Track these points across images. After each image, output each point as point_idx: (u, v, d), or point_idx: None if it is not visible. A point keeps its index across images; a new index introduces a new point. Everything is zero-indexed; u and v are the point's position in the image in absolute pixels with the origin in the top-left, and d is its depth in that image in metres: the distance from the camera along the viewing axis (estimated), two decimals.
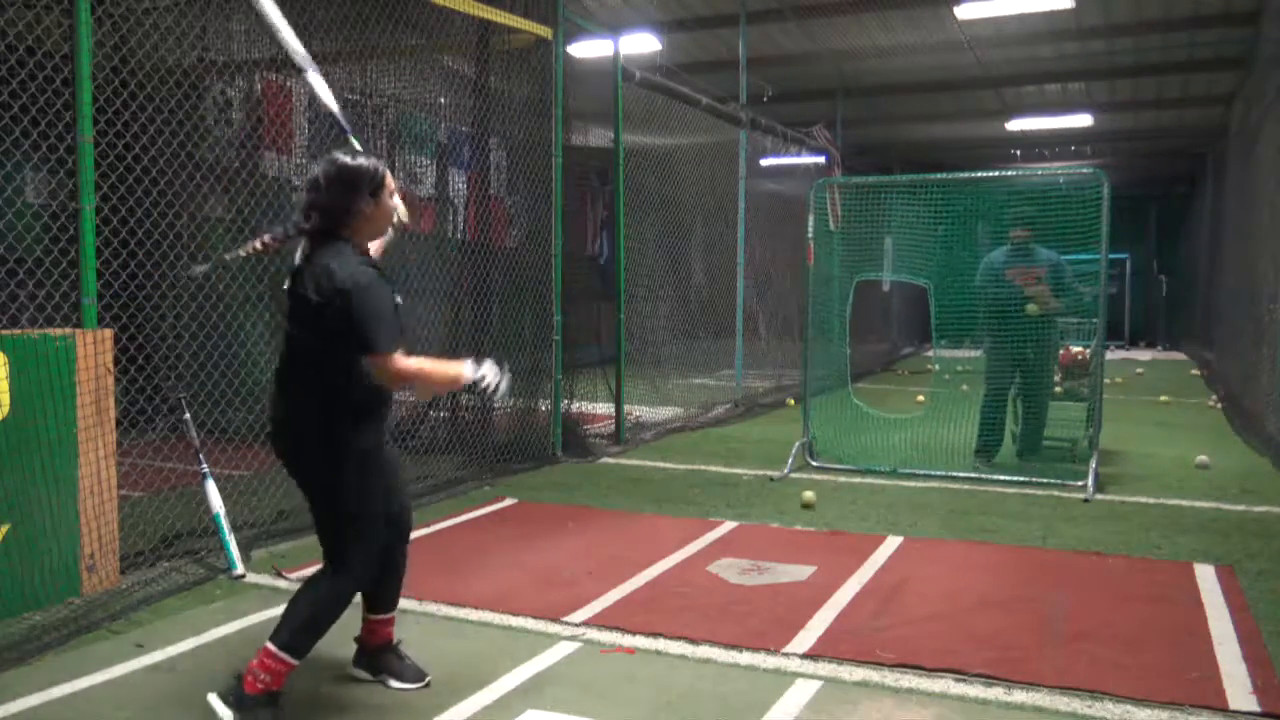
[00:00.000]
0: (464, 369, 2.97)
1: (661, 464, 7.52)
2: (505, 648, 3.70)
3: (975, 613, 4.08)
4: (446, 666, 3.52)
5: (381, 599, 3.39)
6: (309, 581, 3.15)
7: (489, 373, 2.98)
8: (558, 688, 3.35)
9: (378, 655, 3.40)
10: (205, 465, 4.76)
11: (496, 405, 3.11)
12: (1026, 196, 7.39)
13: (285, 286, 3.06)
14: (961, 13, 11.48)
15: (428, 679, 3.37)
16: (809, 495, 5.86)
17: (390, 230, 3.33)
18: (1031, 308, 6.97)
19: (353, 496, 3.06)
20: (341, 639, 3.77)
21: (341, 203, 2.99)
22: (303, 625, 3.03)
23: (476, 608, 4.14)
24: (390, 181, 3.10)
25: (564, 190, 7.82)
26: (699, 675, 3.46)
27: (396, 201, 3.16)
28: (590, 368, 9.26)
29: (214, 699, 2.96)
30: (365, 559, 3.13)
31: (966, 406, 7.49)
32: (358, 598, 3.31)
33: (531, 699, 3.25)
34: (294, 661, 3.02)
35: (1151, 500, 6.20)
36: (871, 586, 4.43)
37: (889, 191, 8.42)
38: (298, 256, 3.05)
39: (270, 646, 2.99)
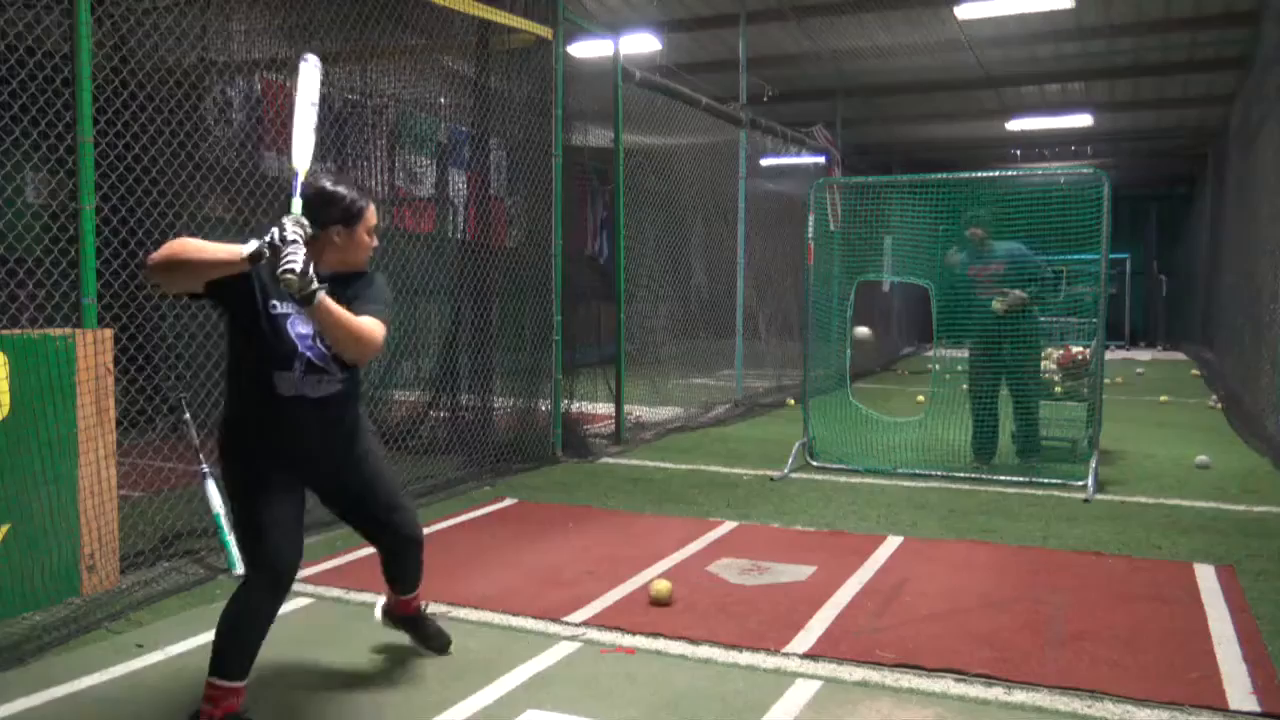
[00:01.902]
0: (241, 249, 2.73)
1: (661, 464, 7.52)
2: (505, 648, 3.70)
3: (975, 613, 4.08)
4: (447, 666, 3.53)
5: (397, 581, 3.52)
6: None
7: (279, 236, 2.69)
8: (558, 688, 3.35)
9: (404, 622, 3.62)
10: (205, 465, 4.76)
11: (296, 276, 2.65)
12: (983, 200, 7.39)
13: None
14: (961, 13, 11.48)
15: (450, 648, 3.63)
16: (661, 586, 4.18)
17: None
18: (996, 304, 6.98)
19: (233, 495, 3.07)
20: (343, 639, 3.77)
21: (309, 220, 2.85)
22: (223, 645, 2.93)
23: (476, 608, 4.14)
24: (370, 219, 3.08)
25: (564, 190, 7.83)
26: (699, 675, 3.46)
27: (372, 240, 3.12)
28: (590, 368, 9.26)
29: None
30: (260, 565, 2.98)
31: (966, 406, 7.48)
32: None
33: (531, 699, 3.24)
34: (230, 684, 2.91)
35: (1151, 500, 6.20)
36: (871, 586, 4.43)
37: (889, 191, 8.42)
38: None
39: (208, 677, 2.92)
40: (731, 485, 6.73)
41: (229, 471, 3.04)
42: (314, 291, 2.69)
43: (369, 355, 2.98)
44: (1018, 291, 6.95)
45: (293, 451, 3.04)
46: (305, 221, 2.75)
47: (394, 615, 3.62)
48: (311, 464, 3.11)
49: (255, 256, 2.68)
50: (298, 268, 2.63)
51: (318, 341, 2.97)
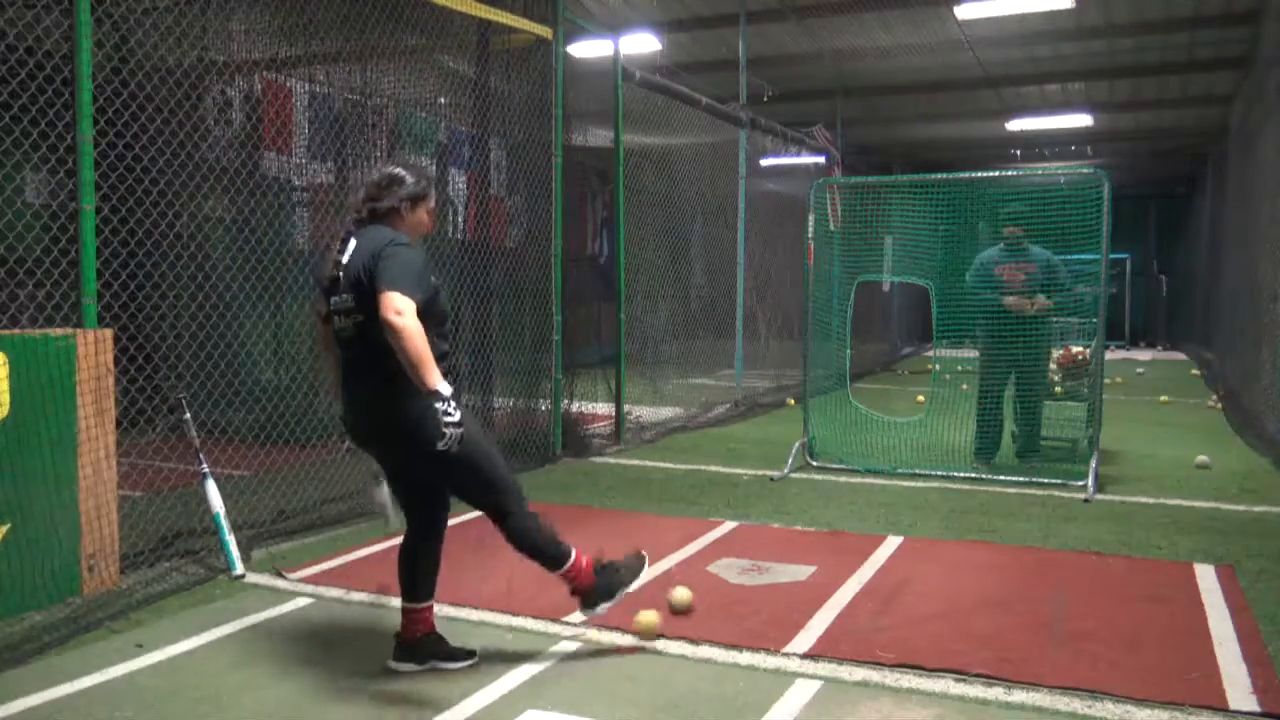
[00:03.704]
0: (442, 384, 3.04)
1: (661, 464, 7.51)
2: (505, 648, 3.70)
3: (975, 613, 4.08)
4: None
5: (422, 589, 3.53)
6: (509, 535, 3.45)
7: (454, 413, 3.04)
8: (558, 688, 3.35)
9: (423, 644, 3.52)
10: (205, 465, 4.76)
11: (449, 430, 3.07)
12: (1021, 194, 7.40)
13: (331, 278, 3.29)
14: (961, 13, 11.48)
15: (476, 654, 3.56)
16: (681, 596, 4.05)
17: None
18: (1009, 300, 6.97)
19: (480, 450, 3.30)
20: (343, 639, 3.77)
21: (382, 197, 3.36)
22: (543, 545, 3.44)
23: (476, 608, 4.14)
24: (429, 202, 3.44)
25: (564, 190, 7.83)
26: (699, 675, 3.46)
27: (429, 219, 3.48)
28: (590, 368, 9.26)
29: (579, 614, 3.56)
30: (515, 490, 3.46)
31: (966, 406, 7.49)
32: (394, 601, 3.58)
33: (531, 699, 3.24)
34: (573, 559, 3.47)
35: (1151, 500, 6.20)
36: (871, 586, 4.43)
37: (889, 191, 8.42)
38: (343, 253, 3.29)
39: (557, 573, 3.48)
40: (731, 485, 6.73)
41: (470, 423, 3.18)
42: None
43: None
44: (1042, 297, 6.97)
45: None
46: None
47: (414, 641, 3.49)
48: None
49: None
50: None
51: None
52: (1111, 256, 7.05)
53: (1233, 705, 3.18)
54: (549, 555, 3.47)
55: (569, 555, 3.48)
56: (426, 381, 3.01)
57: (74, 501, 4.14)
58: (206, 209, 7.10)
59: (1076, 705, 3.20)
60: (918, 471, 7.01)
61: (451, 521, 5.58)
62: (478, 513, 5.80)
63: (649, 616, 3.77)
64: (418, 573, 3.52)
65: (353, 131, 7.78)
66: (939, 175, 7.67)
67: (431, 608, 3.54)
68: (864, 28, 12.11)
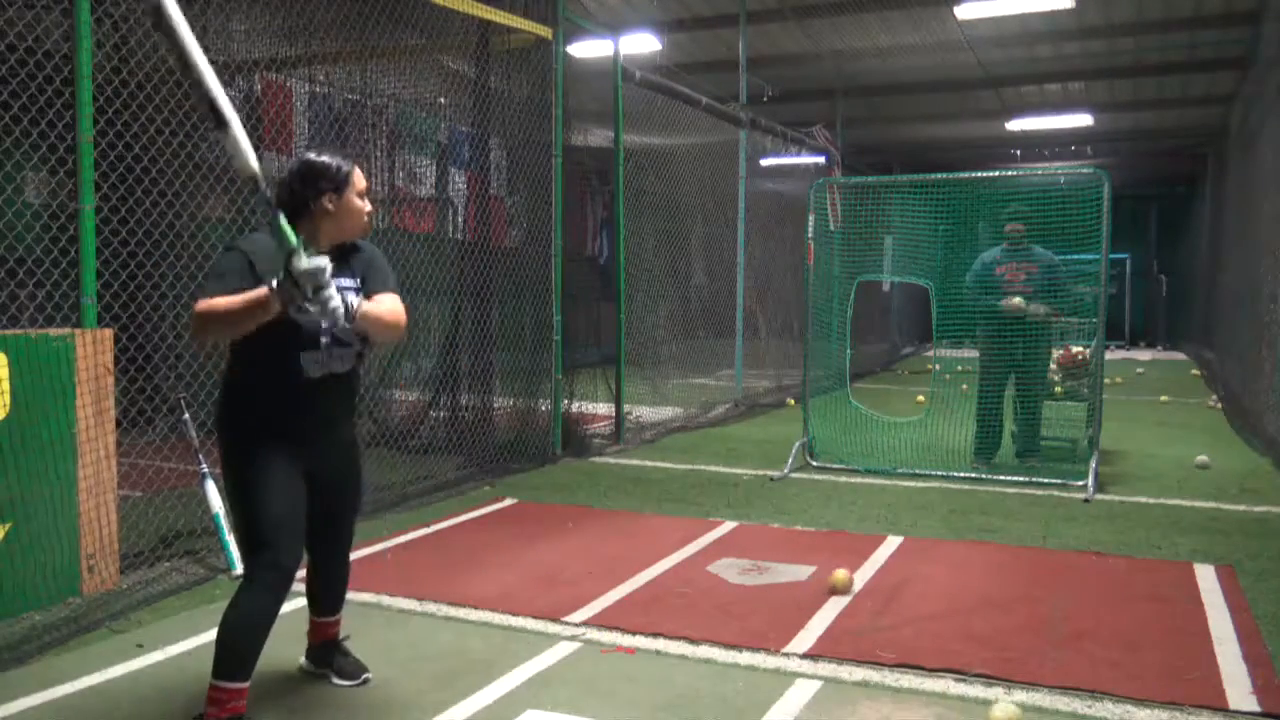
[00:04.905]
0: (265, 290, 2.69)
1: (661, 464, 7.51)
2: (505, 648, 3.70)
3: (975, 613, 4.08)
4: (447, 666, 3.53)
5: (320, 603, 3.40)
6: (230, 603, 2.97)
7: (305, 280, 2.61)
8: (558, 688, 3.34)
9: (322, 651, 3.44)
10: (205, 465, 4.76)
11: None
12: (1021, 194, 7.41)
13: None
14: (961, 13, 11.48)
15: (366, 676, 3.38)
16: (840, 576, 4.34)
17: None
18: (1011, 302, 6.96)
19: (236, 490, 2.97)
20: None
21: (300, 196, 2.96)
22: (226, 647, 2.89)
23: (476, 608, 4.14)
24: (359, 182, 3.03)
25: (564, 190, 7.83)
26: (699, 675, 3.46)
27: (365, 204, 3.05)
28: (590, 368, 9.27)
29: None
30: (265, 563, 2.92)
31: (966, 406, 7.49)
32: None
33: (531, 699, 3.24)
34: (235, 686, 2.88)
35: (1151, 500, 6.20)
36: (871, 586, 4.43)
37: (889, 191, 8.42)
38: None
39: (211, 680, 2.89)
40: (731, 485, 6.73)
41: (236, 453, 2.94)
42: (355, 315, 2.77)
43: (401, 332, 3.05)
44: (1044, 307, 6.95)
45: (311, 432, 2.95)
46: (319, 264, 2.63)
47: (313, 647, 3.44)
48: (322, 443, 3.00)
49: (283, 294, 2.64)
50: (342, 313, 2.68)
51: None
52: (1111, 256, 7.05)
53: (1233, 705, 3.18)
54: (223, 657, 2.88)
55: (240, 682, 2.89)
56: (254, 301, 2.68)
57: (74, 501, 4.13)
58: (206, 209, 7.10)
59: (1076, 705, 3.20)
60: (918, 471, 7.01)
61: (452, 521, 5.62)
62: (474, 513, 5.86)
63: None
64: (310, 588, 3.40)
65: (353, 132, 7.78)
66: (939, 175, 7.67)
67: (326, 624, 3.42)
68: (864, 28, 12.11)
